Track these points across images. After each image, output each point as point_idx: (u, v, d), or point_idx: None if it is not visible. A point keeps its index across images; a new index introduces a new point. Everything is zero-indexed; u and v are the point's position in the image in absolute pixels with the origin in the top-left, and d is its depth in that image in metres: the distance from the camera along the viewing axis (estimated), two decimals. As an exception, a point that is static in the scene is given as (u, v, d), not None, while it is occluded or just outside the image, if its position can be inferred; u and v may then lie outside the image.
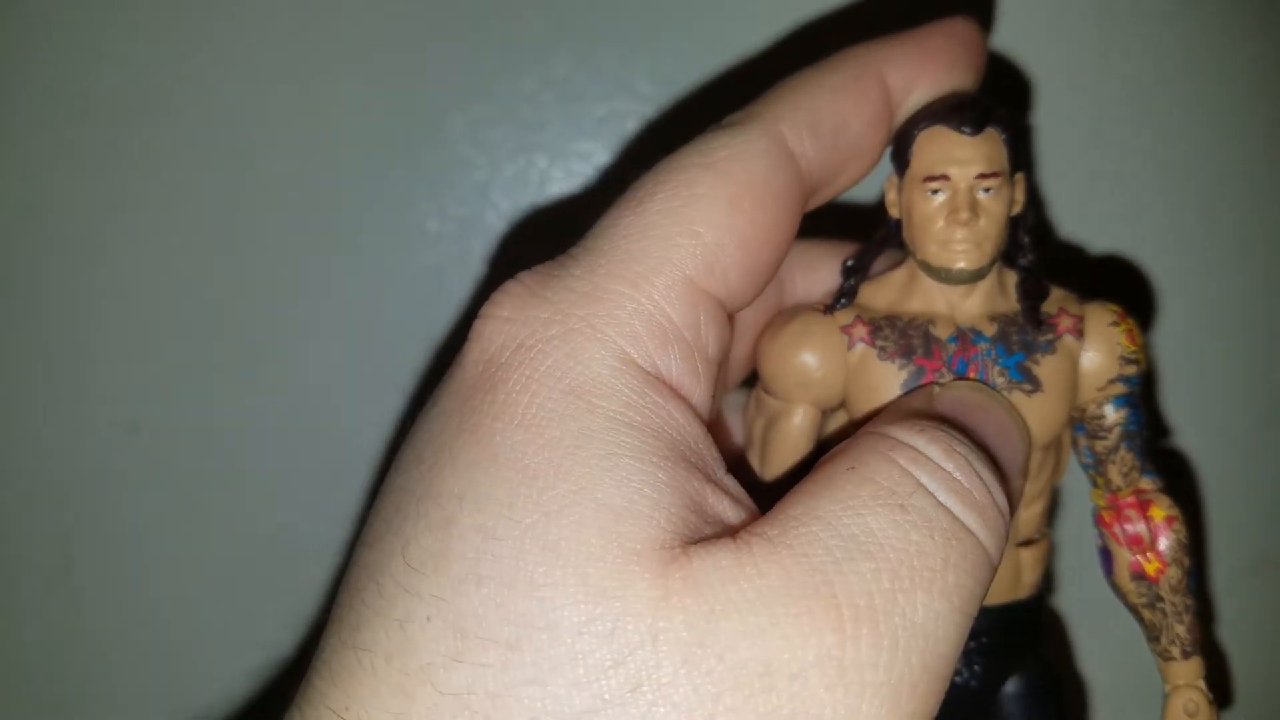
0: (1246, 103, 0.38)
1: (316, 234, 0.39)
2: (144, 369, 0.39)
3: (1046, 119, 0.38)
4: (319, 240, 0.39)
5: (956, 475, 0.23)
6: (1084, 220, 0.39)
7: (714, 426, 0.31)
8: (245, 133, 0.39)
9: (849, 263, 0.30)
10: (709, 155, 0.25)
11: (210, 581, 0.40)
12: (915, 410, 0.26)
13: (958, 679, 0.29)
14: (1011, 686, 0.30)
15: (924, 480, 0.22)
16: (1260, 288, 0.39)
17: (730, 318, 0.26)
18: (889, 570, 0.21)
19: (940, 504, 0.22)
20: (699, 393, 0.24)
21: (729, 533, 0.22)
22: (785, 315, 0.30)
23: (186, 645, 0.41)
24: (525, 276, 0.24)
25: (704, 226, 0.24)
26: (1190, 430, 0.40)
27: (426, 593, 0.20)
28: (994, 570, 0.23)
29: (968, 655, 0.29)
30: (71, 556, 0.40)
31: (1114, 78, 0.39)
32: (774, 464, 0.30)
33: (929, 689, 0.21)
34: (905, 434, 0.23)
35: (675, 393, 0.23)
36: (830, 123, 0.26)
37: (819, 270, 0.31)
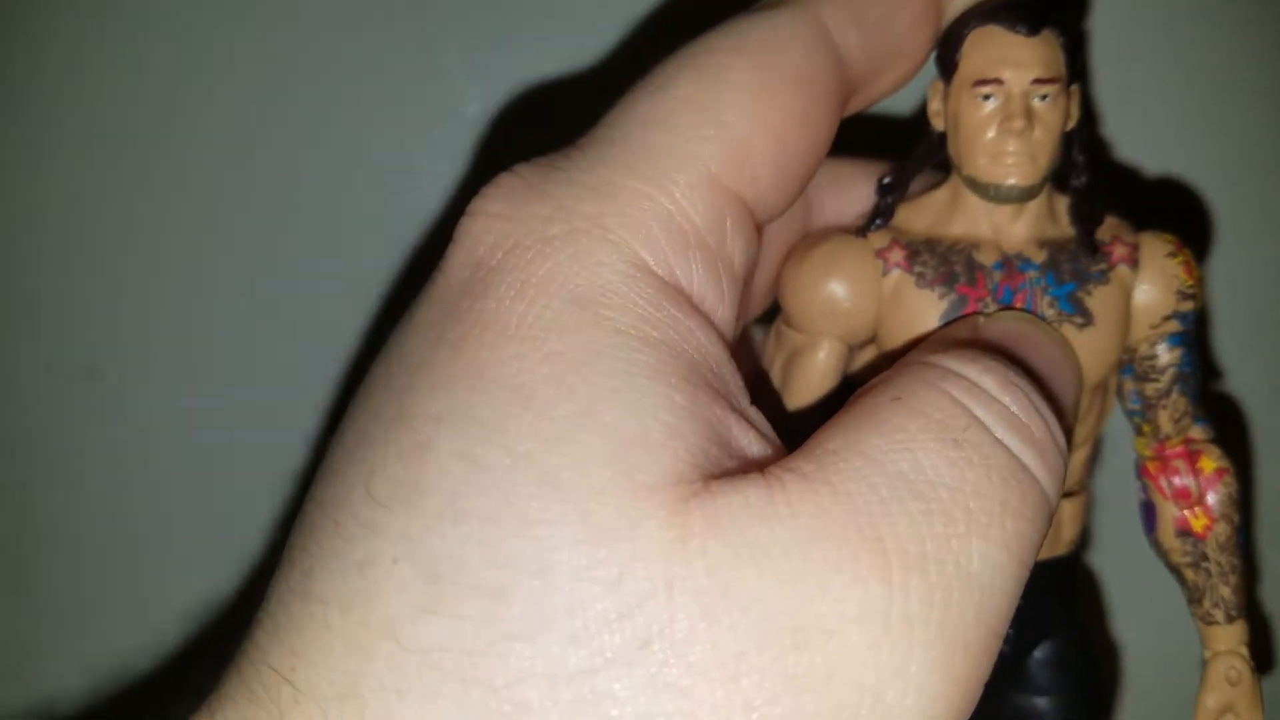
0: None
1: (288, 162, 0.35)
2: (104, 313, 0.35)
3: (1101, 26, 0.35)
4: (292, 169, 0.35)
5: (1014, 409, 0.20)
6: (1138, 140, 0.36)
7: (737, 354, 0.29)
8: (216, 60, 0.35)
9: (885, 180, 0.27)
10: (741, 38, 0.22)
11: (170, 524, 0.37)
12: (961, 340, 0.24)
13: (988, 642, 0.27)
14: (1041, 652, 0.28)
15: (979, 414, 0.20)
16: None
17: (759, 229, 0.23)
18: (942, 513, 0.18)
19: (997, 440, 0.19)
20: (722, 310, 0.21)
21: (756, 468, 0.19)
22: (812, 239, 0.27)
23: (151, 593, 0.38)
24: (522, 168, 0.21)
25: (734, 116, 0.21)
26: (1241, 373, 0.38)
27: (393, 531, 0.17)
28: (1052, 517, 0.20)
29: (1001, 616, 0.27)
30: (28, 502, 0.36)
31: None
32: (796, 404, 0.27)
33: (983, 648, 0.18)
34: (956, 364, 0.21)
35: (696, 307, 0.20)
36: (876, 11, 0.24)
37: (851, 190, 0.28)
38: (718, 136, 0.21)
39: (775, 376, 0.28)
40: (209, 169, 0.36)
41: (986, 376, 0.20)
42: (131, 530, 0.38)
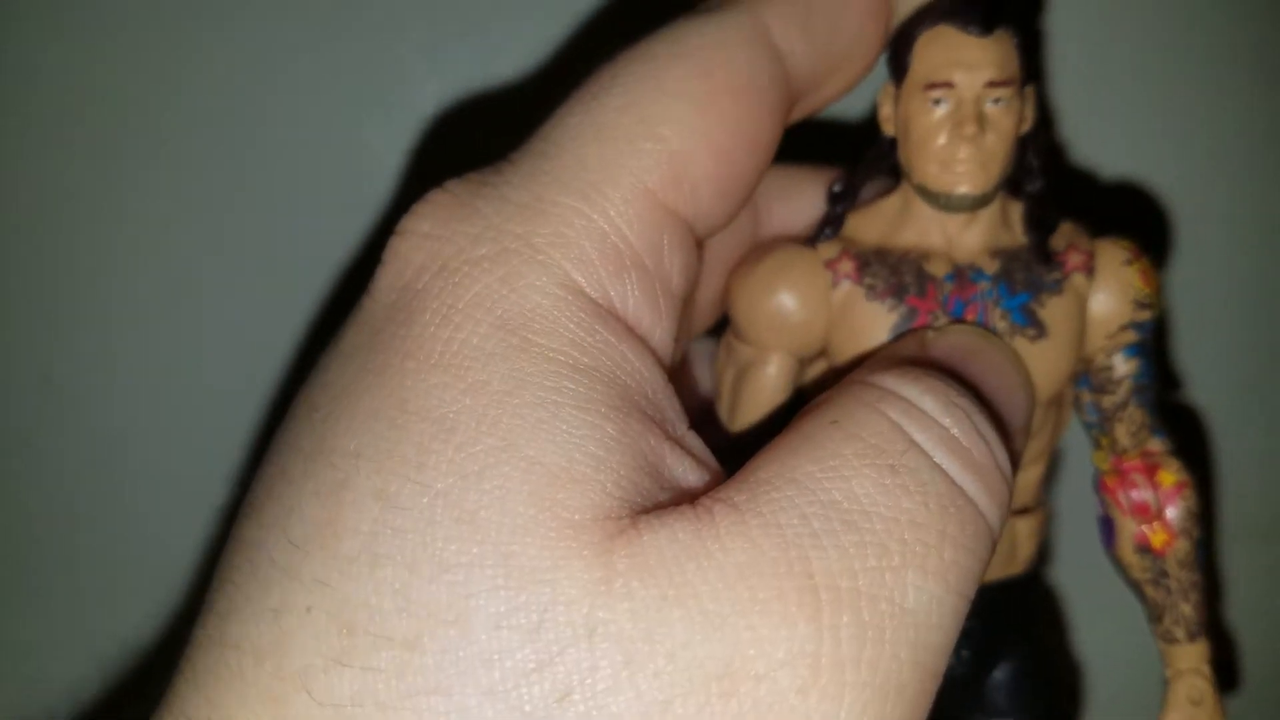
0: None
1: (239, 166, 0.34)
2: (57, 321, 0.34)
3: (1059, 23, 0.34)
4: (243, 173, 0.34)
5: (954, 432, 0.19)
6: (1096, 142, 0.35)
7: (676, 375, 0.28)
8: (162, 67, 0.34)
9: (836, 187, 0.26)
10: (680, 44, 0.21)
11: (123, 540, 0.36)
12: (906, 357, 0.23)
13: (945, 664, 0.26)
14: (1001, 673, 0.27)
15: (917, 437, 0.19)
16: (1266, 214, 0.36)
17: (700, 245, 0.22)
18: (876, 544, 0.17)
19: (936, 465, 0.19)
20: (660, 332, 0.20)
21: (690, 498, 0.18)
22: (760, 250, 0.26)
23: (93, 612, 0.36)
24: (453, 185, 0.20)
25: (671, 129, 0.20)
26: (1202, 383, 0.37)
27: (308, 576, 0.16)
28: (995, 545, 0.20)
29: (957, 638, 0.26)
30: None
31: None
32: (744, 419, 0.26)
33: (920, 689, 0.17)
34: (896, 383, 0.20)
35: (631, 330, 0.19)
36: (824, 15, 0.23)
37: (800, 198, 0.27)
38: (655, 150, 0.20)
39: (725, 390, 0.27)
40: (158, 175, 0.34)
41: (927, 397, 0.20)
42: (85, 544, 0.37)
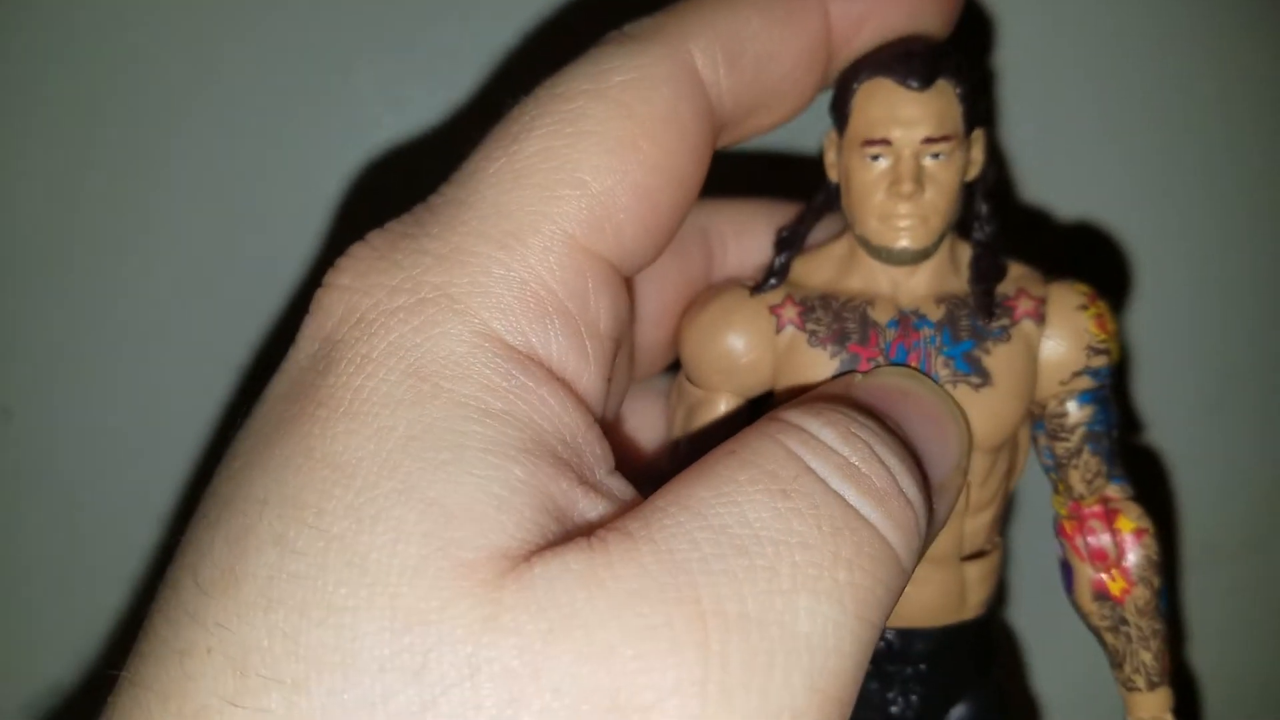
0: (1240, 62, 0.34)
1: (193, 203, 0.35)
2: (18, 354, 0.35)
3: (1012, 63, 0.33)
4: (197, 210, 0.35)
5: (853, 460, 0.19)
6: (1052, 182, 0.34)
7: (616, 424, 0.28)
8: (134, 85, 0.34)
9: (782, 234, 0.26)
10: (600, 80, 0.21)
11: (76, 568, 0.36)
12: (828, 396, 0.23)
13: (894, 709, 0.26)
14: (957, 713, 0.27)
15: (813, 464, 0.19)
16: (1242, 263, 0.35)
17: (628, 281, 0.22)
18: (765, 568, 0.17)
19: (831, 490, 0.18)
20: (587, 375, 0.20)
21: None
22: (709, 292, 0.26)
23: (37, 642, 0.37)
24: (375, 237, 0.20)
25: (592, 173, 0.20)
26: (1163, 425, 0.36)
27: (211, 620, 0.17)
28: (904, 570, 0.19)
29: (904, 683, 0.26)
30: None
31: (1091, 17, 0.34)
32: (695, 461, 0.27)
33: (820, 715, 0.17)
34: (797, 416, 0.20)
35: (553, 375, 0.20)
36: (753, 50, 0.22)
37: (755, 235, 0.27)
38: (576, 195, 0.20)
39: (676, 429, 0.27)
40: (115, 210, 0.35)
41: (827, 429, 0.19)
42: (38, 575, 0.37)
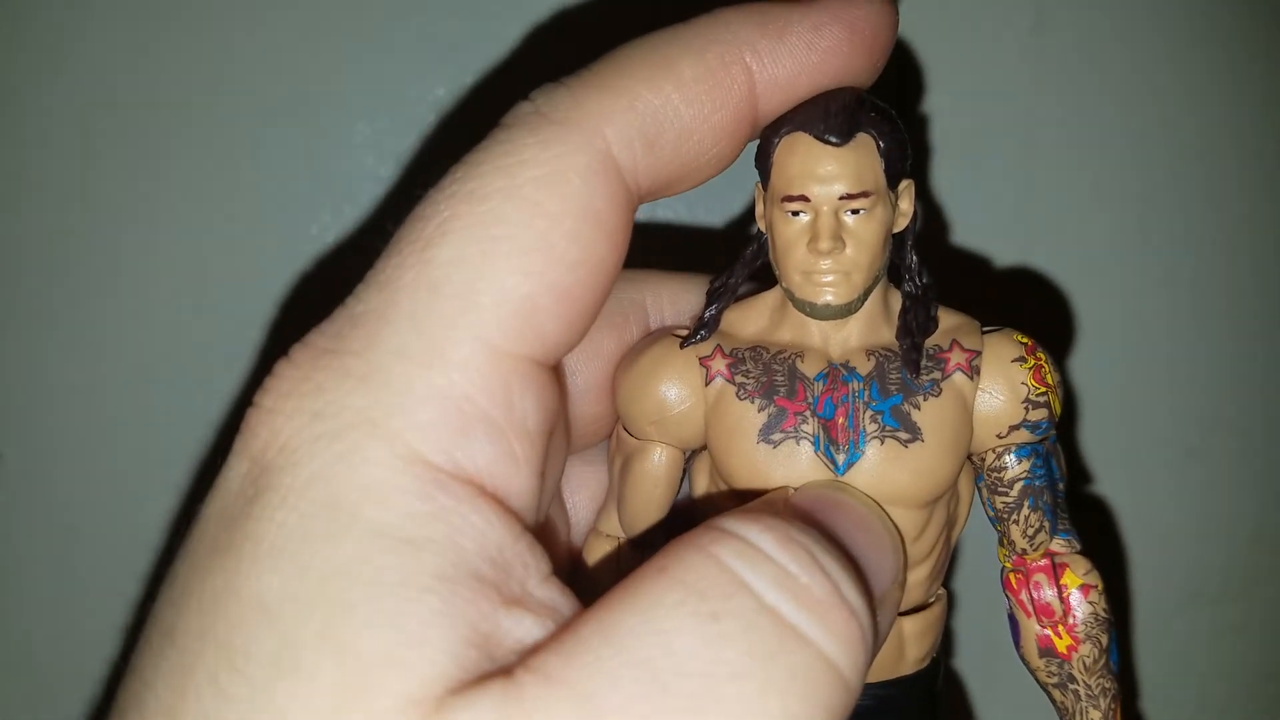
0: (1190, 99, 0.33)
1: (194, 244, 0.36)
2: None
3: (946, 106, 0.32)
4: (199, 251, 0.36)
5: (792, 568, 0.18)
6: (993, 230, 0.33)
7: (556, 500, 0.28)
8: (138, 126, 0.36)
9: (714, 284, 0.26)
10: (513, 176, 0.20)
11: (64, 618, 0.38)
12: (765, 504, 0.22)
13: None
14: (901, 767, 0.27)
15: (747, 576, 0.18)
16: (1187, 305, 0.34)
17: (555, 369, 0.22)
18: (690, 707, 0.16)
19: (766, 607, 0.18)
20: (519, 480, 0.20)
21: (521, 662, 0.17)
22: (644, 342, 0.26)
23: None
24: (298, 353, 0.20)
25: (509, 278, 0.19)
26: (1114, 462, 0.35)
27: None
28: (849, 688, 0.18)
29: (840, 737, 0.26)
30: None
31: (1035, 60, 0.33)
32: (630, 509, 0.27)
33: None
34: (734, 523, 0.19)
35: (478, 489, 0.19)
36: (673, 130, 0.21)
37: (687, 300, 0.27)
38: (493, 304, 0.19)
39: (613, 478, 0.27)
40: (97, 244, 0.35)
41: (766, 535, 0.19)
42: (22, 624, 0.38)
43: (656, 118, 0.21)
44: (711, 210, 0.33)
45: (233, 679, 0.17)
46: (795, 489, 0.23)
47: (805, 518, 0.21)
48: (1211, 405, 0.36)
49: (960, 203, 0.33)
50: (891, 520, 0.23)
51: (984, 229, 0.34)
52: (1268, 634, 0.36)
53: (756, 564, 0.18)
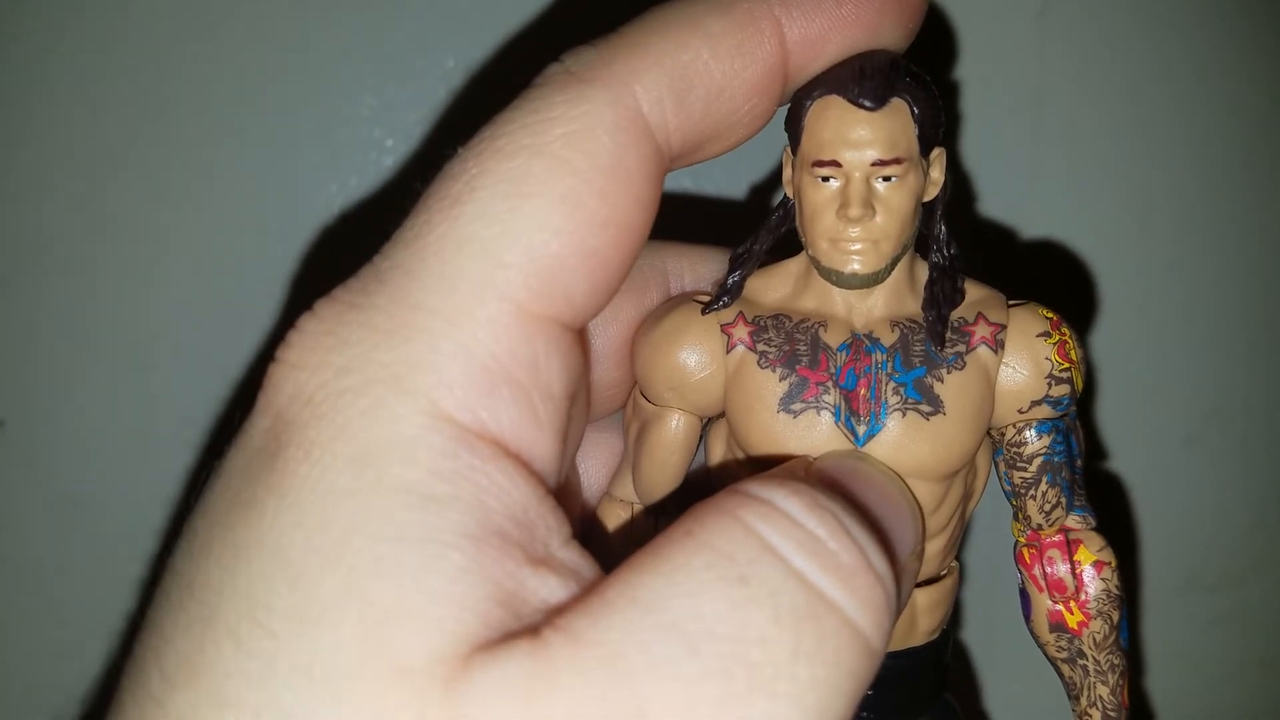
0: (1212, 79, 0.32)
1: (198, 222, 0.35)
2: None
3: (978, 78, 0.32)
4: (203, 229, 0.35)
5: (819, 533, 0.18)
6: (1020, 202, 0.33)
7: (572, 467, 0.28)
8: (145, 99, 0.35)
9: (737, 250, 0.25)
10: (541, 134, 0.20)
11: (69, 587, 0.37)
12: (788, 470, 0.22)
13: (838, 731, 0.26)
14: (908, 738, 0.27)
15: (774, 541, 0.18)
16: (1227, 294, 0.34)
17: (581, 333, 0.21)
18: (720, 670, 0.16)
19: (793, 572, 0.17)
20: (542, 442, 0.20)
21: (548, 621, 0.17)
22: (663, 307, 0.26)
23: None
24: (323, 307, 0.20)
25: (537, 237, 0.19)
26: (1126, 452, 0.35)
27: (174, 711, 0.17)
28: (874, 653, 0.18)
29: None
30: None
31: (1062, 35, 0.33)
32: (646, 477, 0.26)
33: None
34: (760, 487, 0.19)
35: (503, 449, 0.19)
36: (703, 86, 0.21)
37: (708, 270, 0.27)
38: (521, 263, 0.19)
39: (629, 444, 0.27)
40: (100, 220, 0.35)
41: (792, 500, 0.18)
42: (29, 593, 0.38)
43: (685, 74, 0.21)
44: (735, 182, 0.32)
45: (253, 632, 0.17)
46: (815, 458, 0.23)
47: (828, 485, 0.20)
48: (1216, 392, 0.36)
49: (994, 172, 0.33)
50: (910, 491, 0.23)
51: (985, 213, 0.33)
52: (1269, 620, 0.37)
53: (783, 528, 0.18)
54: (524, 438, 0.19)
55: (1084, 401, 0.35)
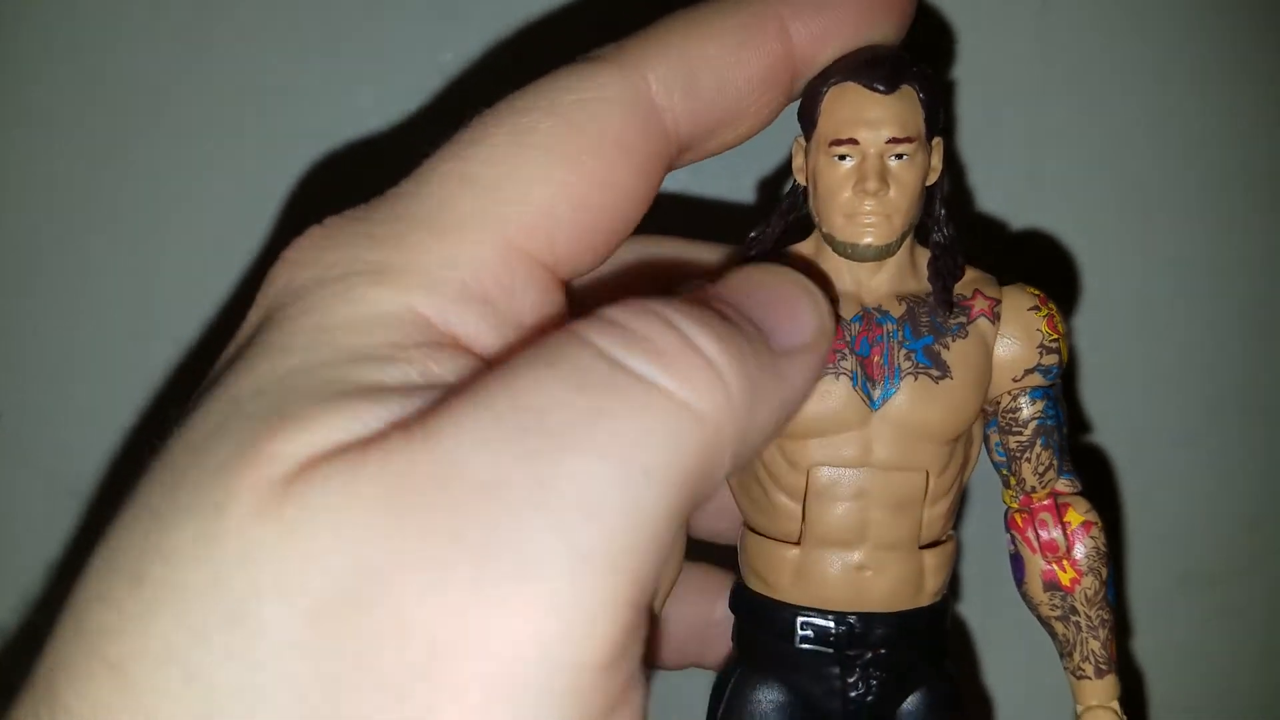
0: (1197, 70, 0.36)
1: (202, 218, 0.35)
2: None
3: (978, 76, 0.35)
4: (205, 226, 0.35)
5: (634, 326, 0.19)
6: (1008, 194, 0.36)
7: None
8: (136, 84, 0.35)
9: (752, 235, 0.27)
10: (555, 98, 0.22)
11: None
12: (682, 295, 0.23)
13: (853, 694, 0.27)
14: (910, 704, 0.28)
15: (591, 336, 0.19)
16: (1192, 277, 0.37)
17: (564, 284, 0.23)
18: (519, 428, 0.17)
19: (602, 354, 0.18)
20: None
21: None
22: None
23: None
24: (330, 220, 0.22)
25: (534, 182, 0.21)
26: (1112, 433, 0.37)
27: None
28: (704, 421, 0.18)
29: (865, 667, 0.27)
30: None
31: (1053, 32, 0.36)
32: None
33: (606, 595, 0.17)
34: (601, 311, 0.20)
35: (467, 352, 0.20)
36: (711, 75, 0.23)
37: (712, 265, 0.28)
38: (518, 202, 0.21)
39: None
40: (88, 209, 0.35)
41: (619, 309, 0.19)
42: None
43: (694, 64, 0.23)
44: (738, 184, 0.33)
45: (187, 468, 0.18)
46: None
47: (715, 300, 0.21)
48: (1214, 388, 0.38)
49: (982, 167, 0.36)
50: (824, 291, 0.23)
51: (983, 210, 0.36)
52: (1266, 616, 0.39)
53: (600, 327, 0.19)
54: (486, 353, 0.21)
55: (1082, 398, 0.38)
